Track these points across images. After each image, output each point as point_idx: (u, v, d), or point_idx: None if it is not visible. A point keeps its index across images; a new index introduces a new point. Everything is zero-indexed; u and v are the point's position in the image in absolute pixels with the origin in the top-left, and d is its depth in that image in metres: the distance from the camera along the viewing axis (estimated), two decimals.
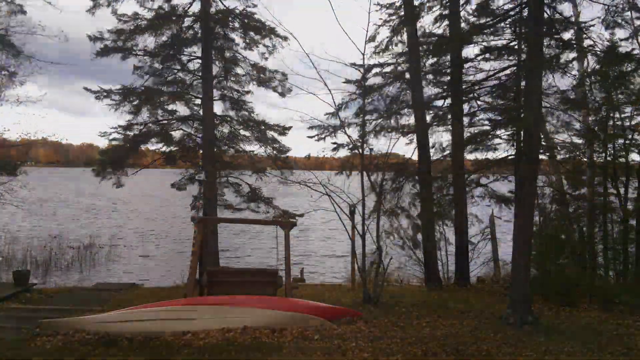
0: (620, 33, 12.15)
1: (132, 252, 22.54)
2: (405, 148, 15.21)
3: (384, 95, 14.11)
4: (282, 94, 15.98)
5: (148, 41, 14.84)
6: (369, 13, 11.09)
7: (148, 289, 13.62)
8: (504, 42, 12.76)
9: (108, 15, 14.64)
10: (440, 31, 14.51)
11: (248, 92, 16.27)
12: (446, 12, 14.10)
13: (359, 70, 12.73)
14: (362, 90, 13.08)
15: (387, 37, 14.34)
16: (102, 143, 16.09)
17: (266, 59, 15.78)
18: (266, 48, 15.67)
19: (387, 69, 14.50)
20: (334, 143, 12.69)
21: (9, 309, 10.17)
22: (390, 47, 14.30)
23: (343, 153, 13.22)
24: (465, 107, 14.12)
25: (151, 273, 18.46)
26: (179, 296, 10.39)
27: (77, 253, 20.39)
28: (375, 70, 14.27)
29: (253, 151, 16.33)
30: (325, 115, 12.62)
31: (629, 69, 11.54)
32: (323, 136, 12.70)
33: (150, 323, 7.79)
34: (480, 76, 13.94)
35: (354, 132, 13.08)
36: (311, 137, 12.60)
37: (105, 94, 14.64)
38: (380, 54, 14.34)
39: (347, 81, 13.23)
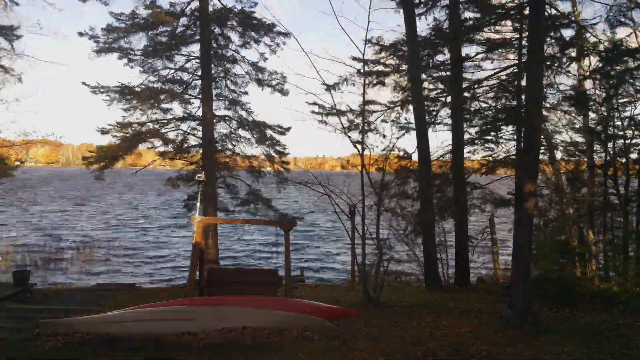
0: (622, 32, 12.15)
1: (131, 253, 22.54)
2: (405, 147, 15.17)
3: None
4: (283, 93, 15.98)
5: (145, 40, 14.86)
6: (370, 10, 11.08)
7: (148, 289, 13.62)
8: (505, 40, 12.76)
9: (107, 14, 14.65)
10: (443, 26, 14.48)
11: (245, 92, 16.31)
12: (446, 2, 14.02)
13: (358, 70, 12.72)
14: (363, 77, 12.95)
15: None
16: (102, 142, 16.08)
17: (266, 59, 15.79)
18: (268, 47, 15.66)
19: (390, 62, 14.42)
20: (349, 121, 12.27)
21: (9, 309, 10.16)
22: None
23: (346, 149, 13.02)
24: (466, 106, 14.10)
25: (151, 273, 18.46)
26: (179, 296, 10.39)
27: (77, 253, 20.40)
28: (383, 53, 14.13)
29: (251, 152, 16.35)
30: (324, 86, 12.29)
31: (632, 66, 11.50)
32: (330, 112, 12.43)
33: (150, 323, 7.77)
34: (481, 75, 13.93)
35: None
36: (316, 112, 12.37)
37: (102, 89, 14.62)
38: (379, 45, 14.25)
39: (354, 58, 13.00)
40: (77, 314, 9.09)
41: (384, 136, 11.89)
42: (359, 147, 11.36)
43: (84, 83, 14.62)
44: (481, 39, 13.29)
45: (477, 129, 13.99)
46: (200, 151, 15.71)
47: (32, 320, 8.45)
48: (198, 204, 11.14)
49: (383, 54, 14.20)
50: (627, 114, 12.59)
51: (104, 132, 14.85)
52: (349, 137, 11.99)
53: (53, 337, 7.45)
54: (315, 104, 12.26)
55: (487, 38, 13.20)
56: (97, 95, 14.70)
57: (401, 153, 13.50)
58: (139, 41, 14.81)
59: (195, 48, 15.61)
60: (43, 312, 9.64)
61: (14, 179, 14.07)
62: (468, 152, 14.14)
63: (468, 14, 13.64)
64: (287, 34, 15.08)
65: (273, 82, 15.82)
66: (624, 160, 12.51)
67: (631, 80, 11.51)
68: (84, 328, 7.73)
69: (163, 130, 15.45)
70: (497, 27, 12.68)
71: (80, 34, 14.37)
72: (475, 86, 13.93)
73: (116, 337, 7.43)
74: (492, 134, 13.53)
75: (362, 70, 13.04)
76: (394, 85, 14.20)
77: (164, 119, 15.59)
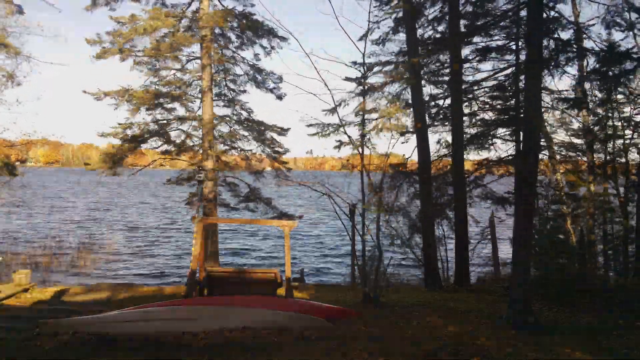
0: (619, 34, 12.19)
1: (131, 252, 22.54)
2: (405, 148, 15.25)
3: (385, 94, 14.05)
4: (279, 97, 16.05)
5: (146, 41, 14.90)
6: (369, 12, 11.12)
7: (148, 289, 13.62)
8: (502, 42, 12.78)
9: (107, 14, 14.70)
10: (441, 28, 14.52)
11: (244, 91, 16.37)
12: (445, 9, 14.07)
13: (359, 71, 12.75)
14: (362, 88, 13.03)
15: (389, 28, 14.30)
16: (103, 142, 16.21)
17: (259, 59, 15.89)
18: (263, 49, 15.74)
19: (388, 68, 14.47)
20: (338, 141, 12.51)
21: (9, 309, 10.17)
22: (389, 39, 14.20)
23: (344, 152, 13.11)
24: (465, 107, 14.12)
25: (151, 273, 18.46)
26: (179, 296, 10.39)
27: (77, 253, 20.41)
28: (376, 68, 14.23)
29: (251, 150, 16.37)
30: (324, 112, 12.56)
31: (629, 67, 11.52)
32: (324, 133, 12.59)
33: (150, 323, 7.77)
34: (479, 76, 13.97)
35: (354, 131, 13.04)
36: (312, 134, 12.53)
37: (104, 94, 14.67)
38: (380, 46, 14.30)
39: (347, 79, 13.19)
40: (77, 314, 9.09)
41: (374, 148, 12.03)
42: (359, 147, 11.38)
43: (85, 92, 14.68)
44: (480, 41, 13.32)
45: (476, 130, 14.02)
46: (201, 151, 15.73)
47: (32, 320, 8.45)
48: (198, 203, 11.16)
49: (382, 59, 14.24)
50: (626, 114, 12.62)
51: (105, 135, 14.89)
52: (350, 139, 12.02)
53: (53, 337, 7.46)
54: (312, 125, 12.35)
55: (485, 40, 13.22)
56: (100, 101, 14.78)
57: (400, 153, 13.58)
58: (141, 43, 14.88)
59: (195, 48, 15.67)
60: (43, 312, 9.64)
61: (20, 175, 14.02)
62: (468, 153, 14.16)
63: (466, 19, 13.67)
64: (285, 38, 15.18)
65: (270, 84, 15.90)
66: (623, 160, 12.53)
67: (627, 82, 11.52)
68: (84, 328, 7.73)
69: (164, 131, 15.48)
70: (494, 30, 12.69)
71: (87, 41, 14.45)
72: (475, 88, 13.95)
73: (116, 337, 7.43)
74: (492, 134, 13.55)
75: (361, 82, 13.08)
76: (394, 93, 14.24)
77: (164, 120, 15.62)
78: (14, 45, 13.15)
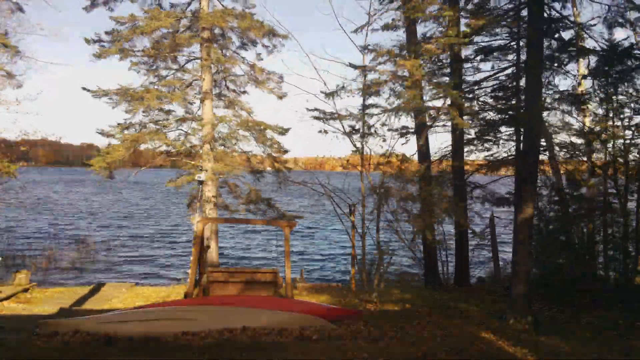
0: (620, 33, 12.19)
1: (131, 252, 22.55)
2: (405, 148, 15.22)
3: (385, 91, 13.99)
4: (280, 97, 16.03)
5: (146, 41, 14.89)
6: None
7: (148, 289, 13.62)
8: (503, 42, 12.75)
9: (107, 15, 14.70)
10: (441, 29, 14.46)
11: (244, 92, 16.37)
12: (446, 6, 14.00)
13: (360, 71, 12.70)
14: (363, 85, 12.96)
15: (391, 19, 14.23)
16: (102, 142, 16.08)
17: (261, 59, 15.88)
18: (265, 48, 15.74)
19: (388, 66, 14.40)
20: (351, 126, 12.33)
21: (9, 309, 10.17)
22: (391, 27, 14.12)
23: (345, 152, 13.09)
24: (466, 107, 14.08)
25: (151, 273, 18.47)
26: (179, 296, 10.39)
27: (77, 253, 20.42)
28: (379, 59, 14.11)
29: (252, 151, 16.34)
30: (322, 94, 12.39)
31: (631, 66, 11.49)
32: (327, 117, 12.46)
33: (150, 323, 7.77)
34: (480, 76, 13.93)
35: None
36: (316, 118, 12.40)
37: (103, 92, 14.64)
38: (380, 31, 14.25)
39: (351, 65, 13.05)
40: (77, 314, 9.10)
41: (384, 140, 11.96)
42: (359, 147, 11.38)
43: (84, 88, 14.63)
44: (480, 40, 13.29)
45: (477, 129, 14.00)
46: (201, 151, 15.72)
47: (32, 320, 8.46)
48: (198, 204, 11.14)
49: (382, 59, 14.18)
50: (627, 114, 12.60)
51: (104, 134, 14.89)
52: (350, 139, 12.00)
53: (53, 337, 7.45)
54: (316, 109, 12.30)
55: (487, 40, 13.19)
56: (98, 99, 14.75)
57: (401, 155, 13.51)
58: (140, 43, 14.86)
59: (195, 48, 15.65)
60: (43, 312, 9.65)
61: (16, 174, 14.01)
62: (468, 152, 14.16)
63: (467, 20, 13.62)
64: (285, 36, 15.14)
65: (270, 84, 15.87)
66: (623, 160, 12.51)
67: (632, 79, 11.51)
68: (84, 328, 7.73)
69: (164, 131, 15.45)
70: (496, 29, 12.65)
71: (86, 41, 14.44)
72: (476, 87, 13.93)
73: (116, 337, 7.43)
74: (492, 134, 13.54)
75: (362, 79, 13.05)
76: (394, 91, 14.19)
77: (165, 120, 15.61)
78: (12, 44, 13.12)
